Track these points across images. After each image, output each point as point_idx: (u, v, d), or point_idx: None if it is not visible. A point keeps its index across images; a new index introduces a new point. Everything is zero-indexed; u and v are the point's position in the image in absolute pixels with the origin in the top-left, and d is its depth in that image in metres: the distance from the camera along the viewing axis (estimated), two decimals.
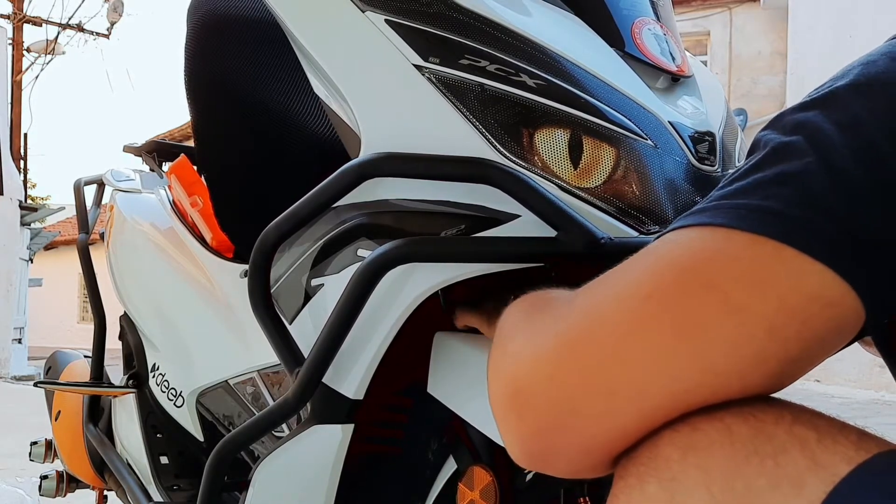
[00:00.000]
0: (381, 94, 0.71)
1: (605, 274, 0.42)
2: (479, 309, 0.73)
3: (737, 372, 0.36)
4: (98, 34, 11.06)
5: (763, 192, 0.37)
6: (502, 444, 0.44)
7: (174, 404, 1.17)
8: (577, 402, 0.39)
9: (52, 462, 1.74)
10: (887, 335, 0.48)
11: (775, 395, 0.38)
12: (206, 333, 1.11)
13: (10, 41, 9.86)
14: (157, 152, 1.48)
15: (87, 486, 1.66)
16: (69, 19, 10.82)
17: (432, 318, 0.77)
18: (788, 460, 0.33)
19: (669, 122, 0.71)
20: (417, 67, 0.68)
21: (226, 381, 1.03)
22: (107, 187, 1.56)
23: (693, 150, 0.71)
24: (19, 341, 9.01)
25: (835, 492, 0.31)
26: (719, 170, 0.73)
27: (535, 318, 0.44)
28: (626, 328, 0.38)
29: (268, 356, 0.87)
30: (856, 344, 0.48)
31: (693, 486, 0.34)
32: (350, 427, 0.76)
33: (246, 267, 0.80)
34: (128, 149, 1.53)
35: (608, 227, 0.65)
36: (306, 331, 0.77)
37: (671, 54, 0.78)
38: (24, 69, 10.28)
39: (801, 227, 0.35)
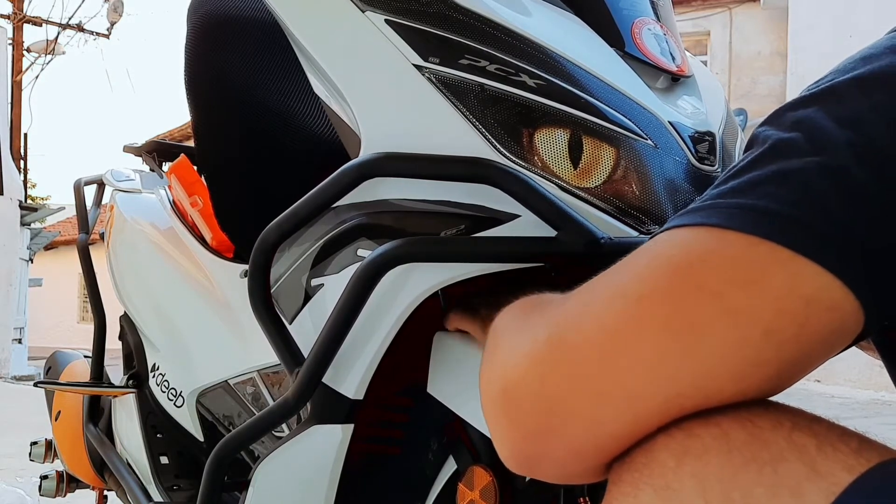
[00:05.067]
0: (381, 94, 0.71)
1: (598, 276, 0.41)
2: (474, 314, 0.72)
3: (732, 375, 0.35)
4: (98, 34, 11.06)
5: (759, 192, 0.36)
6: None
7: (174, 404, 1.17)
8: (567, 406, 0.38)
9: (52, 462, 1.74)
10: (887, 338, 0.47)
11: (775, 396, 0.37)
12: (206, 333, 1.11)
13: (10, 41, 9.86)
14: (157, 152, 1.47)
15: (87, 486, 1.66)
16: (69, 19, 10.83)
17: (432, 318, 0.77)
18: (787, 468, 0.32)
19: (669, 122, 0.70)
20: (417, 67, 0.68)
21: (226, 381, 1.03)
22: (107, 187, 1.56)
23: (693, 150, 0.71)
24: (19, 341, 9.01)
25: (836, 503, 0.30)
26: (719, 170, 0.73)
27: (527, 320, 0.43)
28: (618, 330, 0.37)
29: (268, 356, 0.87)
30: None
31: (689, 495, 0.33)
32: (350, 427, 0.76)
33: (246, 267, 0.80)
34: (128, 149, 1.53)
35: (608, 227, 0.65)
36: (306, 331, 0.77)
37: (671, 54, 0.78)
38: (24, 69, 10.28)
39: (799, 227, 0.34)
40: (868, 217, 0.34)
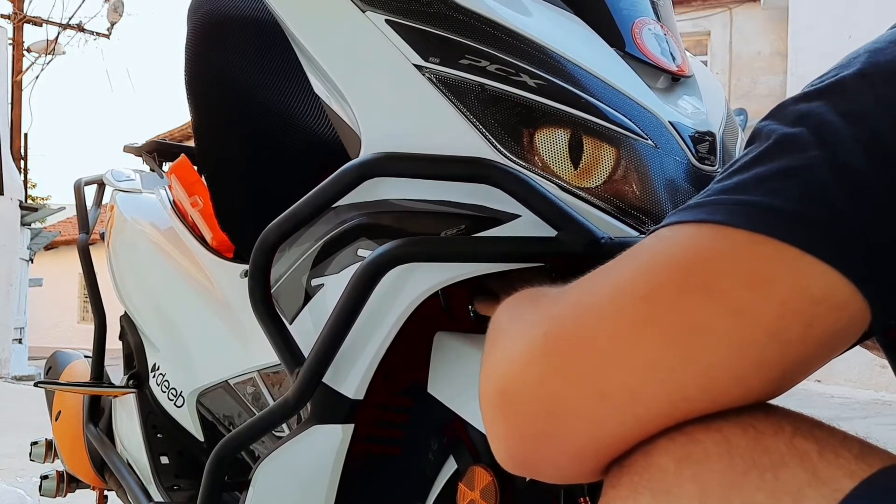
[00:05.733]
0: (382, 94, 0.71)
1: (596, 270, 0.40)
2: (495, 299, 0.70)
3: (736, 377, 0.34)
4: (98, 34, 11.07)
5: (764, 188, 0.35)
6: None
7: (174, 404, 1.17)
8: (565, 406, 0.37)
9: (53, 462, 1.74)
10: (891, 337, 0.47)
11: (776, 398, 0.37)
12: (207, 333, 1.11)
13: (11, 41, 9.87)
14: (158, 152, 1.47)
15: (87, 486, 1.66)
16: (69, 19, 10.85)
17: (432, 318, 0.77)
18: (788, 474, 0.31)
19: (670, 121, 0.70)
20: (418, 67, 0.68)
21: (226, 381, 1.03)
22: (107, 187, 1.56)
23: (693, 150, 0.71)
24: (19, 341, 9.02)
25: None
26: (719, 170, 0.73)
27: (525, 315, 0.42)
28: (618, 329, 0.36)
29: (268, 356, 0.87)
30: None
31: (688, 500, 0.33)
32: (350, 427, 0.76)
33: (246, 267, 0.80)
34: (128, 149, 1.53)
35: (608, 226, 0.65)
36: (306, 331, 0.77)
37: (671, 54, 0.78)
38: (24, 69, 10.29)
39: (805, 225, 0.34)
40: (874, 213, 0.34)
